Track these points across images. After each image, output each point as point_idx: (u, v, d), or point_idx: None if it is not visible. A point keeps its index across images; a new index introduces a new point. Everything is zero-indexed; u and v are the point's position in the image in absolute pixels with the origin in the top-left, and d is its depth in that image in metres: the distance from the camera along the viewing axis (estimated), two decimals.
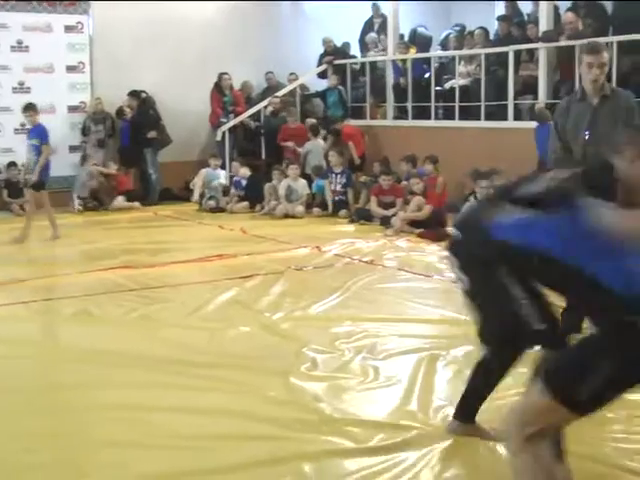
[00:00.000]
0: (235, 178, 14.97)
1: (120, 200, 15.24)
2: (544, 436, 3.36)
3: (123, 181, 15.67)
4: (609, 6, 13.36)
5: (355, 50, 17.47)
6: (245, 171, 14.81)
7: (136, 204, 15.20)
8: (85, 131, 15.88)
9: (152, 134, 15.63)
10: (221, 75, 16.45)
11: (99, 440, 4.71)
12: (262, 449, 4.49)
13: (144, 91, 16.06)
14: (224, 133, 16.21)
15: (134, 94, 15.97)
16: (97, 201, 15.32)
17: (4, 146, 15.53)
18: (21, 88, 15.62)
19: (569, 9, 13.24)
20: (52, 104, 15.79)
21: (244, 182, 14.75)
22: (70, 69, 16.00)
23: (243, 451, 4.48)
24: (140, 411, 5.08)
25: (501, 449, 4.20)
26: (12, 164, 15.29)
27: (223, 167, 15.82)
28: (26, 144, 12.33)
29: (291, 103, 16.65)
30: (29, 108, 12.10)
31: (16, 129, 15.53)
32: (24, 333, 7.01)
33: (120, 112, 16.01)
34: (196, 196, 14.99)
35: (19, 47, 15.55)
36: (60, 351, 6.55)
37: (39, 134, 11.87)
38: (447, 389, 5.39)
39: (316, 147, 14.96)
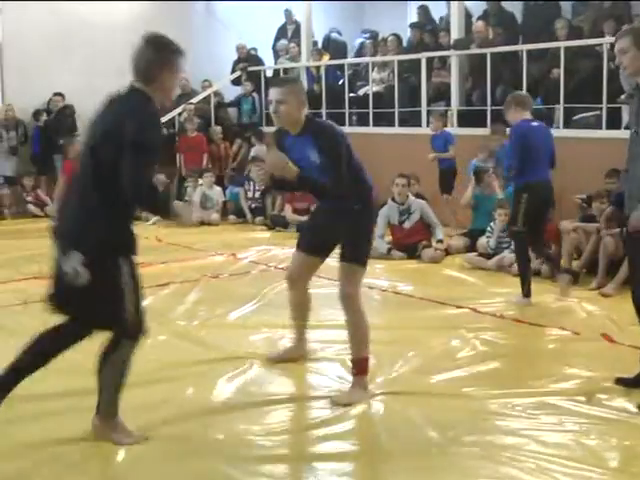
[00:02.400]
0: None
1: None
2: None
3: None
4: (519, 15, 13.62)
5: (266, 56, 17.46)
6: (162, 178, 14.67)
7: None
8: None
9: (63, 141, 15.39)
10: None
11: None
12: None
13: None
14: None
15: (61, 94, 15.74)
16: None
17: None
18: None
19: (479, 18, 13.46)
20: None
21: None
22: None
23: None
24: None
25: None
26: None
27: None
28: None
29: (206, 110, 16.59)
30: None
31: None
32: None
33: (37, 115, 15.73)
34: None
35: None
36: None
37: None
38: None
39: (262, 152, 14.87)
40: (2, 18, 15.71)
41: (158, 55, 4.49)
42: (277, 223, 12.89)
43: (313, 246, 5.84)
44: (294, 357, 6.16)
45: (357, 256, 5.40)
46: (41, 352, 4.70)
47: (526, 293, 7.93)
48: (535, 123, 8.20)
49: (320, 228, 5.71)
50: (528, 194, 7.81)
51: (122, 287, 4.40)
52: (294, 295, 6.07)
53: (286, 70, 16.39)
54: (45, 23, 15.91)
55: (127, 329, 4.51)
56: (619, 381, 5.49)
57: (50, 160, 15.62)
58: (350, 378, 5.51)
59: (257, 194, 13.93)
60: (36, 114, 15.77)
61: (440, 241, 10.28)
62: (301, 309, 6.11)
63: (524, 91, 11.57)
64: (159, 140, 4.44)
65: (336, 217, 5.44)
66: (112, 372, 4.62)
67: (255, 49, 17.34)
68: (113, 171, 4.21)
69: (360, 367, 5.44)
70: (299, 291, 6.04)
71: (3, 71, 15.84)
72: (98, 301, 4.42)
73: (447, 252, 10.30)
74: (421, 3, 15.82)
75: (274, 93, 5.49)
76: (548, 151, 8.12)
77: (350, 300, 5.42)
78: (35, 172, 15.63)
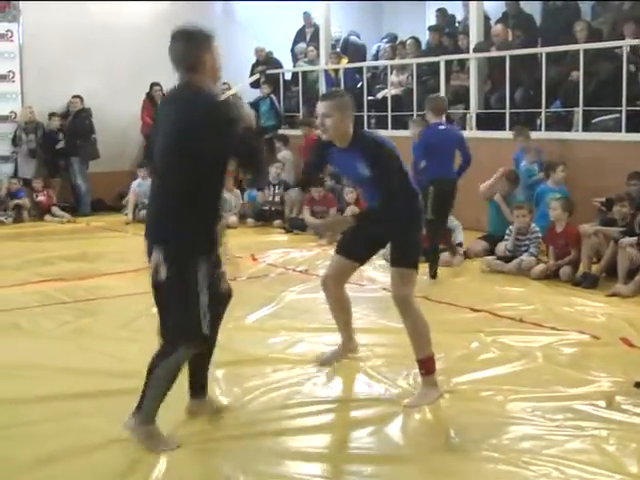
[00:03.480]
0: None
1: (49, 218, 15.03)
2: None
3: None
4: (537, 17, 13.57)
5: (284, 58, 17.46)
6: None
7: (66, 216, 14.92)
8: (16, 141, 15.63)
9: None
10: (153, 86, 16.33)
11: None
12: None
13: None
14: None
15: (79, 97, 15.81)
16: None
17: None
18: None
19: (498, 21, 13.42)
20: None
21: None
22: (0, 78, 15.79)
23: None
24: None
25: None
26: None
27: None
28: None
29: None
30: None
31: None
32: None
33: (51, 117, 15.79)
34: (130, 211, 14.72)
35: None
36: None
37: None
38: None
39: (285, 158, 14.90)
40: (22, 20, 15.78)
41: (191, 44, 4.72)
42: (295, 226, 12.88)
43: (356, 251, 5.88)
44: (343, 357, 6.20)
45: (409, 260, 5.46)
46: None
47: (433, 274, 9.06)
48: (442, 127, 9.54)
49: (367, 234, 5.68)
50: (434, 188, 8.94)
51: (197, 290, 4.45)
52: (331, 297, 6.07)
53: (305, 73, 16.39)
54: (64, 26, 15.96)
55: (189, 334, 4.51)
56: (639, 385, 5.47)
57: (67, 162, 15.68)
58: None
59: (276, 197, 13.94)
60: (51, 117, 15.81)
61: (460, 244, 10.24)
62: (342, 308, 6.12)
63: (543, 93, 11.62)
64: None
65: (385, 226, 5.49)
66: (163, 377, 4.58)
67: (272, 52, 17.34)
68: (195, 168, 4.34)
69: (427, 366, 5.45)
70: (336, 293, 6.05)
71: (23, 73, 15.90)
72: (174, 300, 4.52)
73: (466, 256, 10.26)
74: (439, 6, 15.77)
75: (321, 107, 5.53)
76: (453, 152, 9.44)
77: (406, 302, 5.45)
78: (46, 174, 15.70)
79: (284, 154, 15.01)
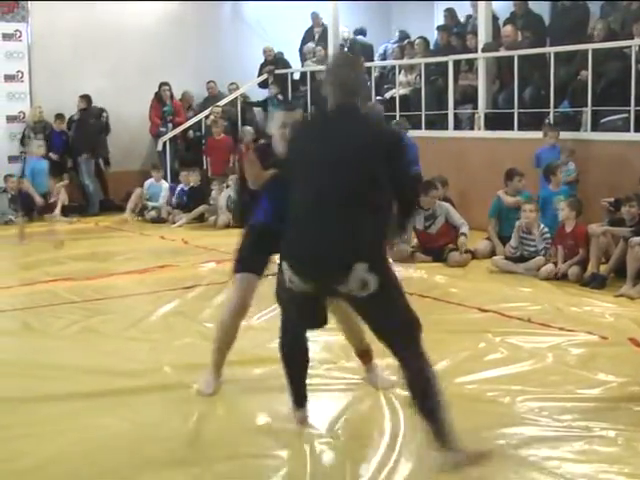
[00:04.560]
0: (178, 188, 14.87)
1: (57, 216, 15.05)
2: None
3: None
4: (546, 17, 13.55)
5: (292, 58, 17.47)
6: (197, 180, 14.71)
7: (74, 219, 14.86)
8: (24, 141, 15.67)
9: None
10: (161, 85, 16.37)
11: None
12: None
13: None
14: (165, 143, 16.14)
15: (85, 97, 15.84)
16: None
17: None
18: None
19: (507, 21, 13.40)
20: None
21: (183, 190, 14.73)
22: (8, 78, 15.82)
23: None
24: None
25: None
26: None
27: (165, 177, 15.79)
28: None
29: (232, 113, 16.66)
30: None
31: None
32: None
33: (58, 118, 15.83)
34: (129, 210, 14.75)
35: None
36: None
37: None
38: None
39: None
40: (31, 21, 15.81)
41: (355, 70, 4.75)
42: None
43: None
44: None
45: None
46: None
47: None
48: None
49: None
50: None
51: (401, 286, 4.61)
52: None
53: (313, 73, 16.40)
54: (73, 26, 16.01)
55: (420, 325, 4.64)
56: None
57: (74, 162, 15.73)
58: None
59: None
60: (57, 118, 15.84)
61: (464, 234, 10.17)
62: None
63: (551, 93, 11.62)
64: None
65: None
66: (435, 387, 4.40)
67: (281, 53, 17.34)
68: (372, 180, 4.41)
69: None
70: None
71: (32, 73, 15.93)
72: (399, 302, 4.56)
73: (473, 256, 10.25)
74: (448, 5, 15.76)
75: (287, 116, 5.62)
76: None
77: None
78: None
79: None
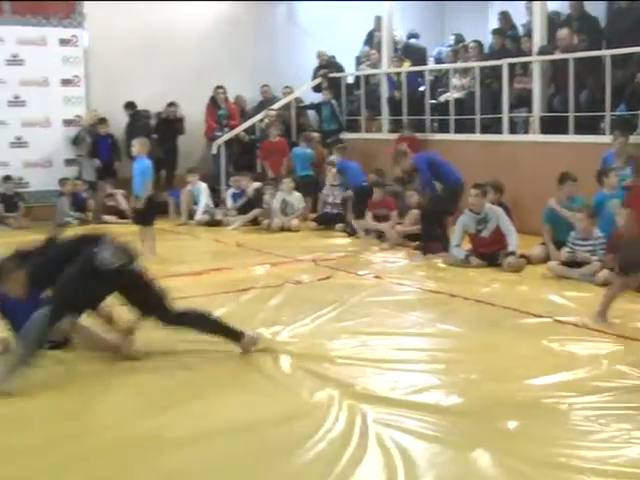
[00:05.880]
0: (233, 191, 14.95)
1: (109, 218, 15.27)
2: None
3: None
4: (602, 20, 13.42)
5: (346, 62, 17.48)
6: (253, 184, 14.78)
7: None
8: (77, 141, 15.86)
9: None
10: (216, 89, 16.48)
11: None
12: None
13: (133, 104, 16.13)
14: (219, 146, 16.24)
15: (129, 105, 16.03)
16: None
17: None
18: (16, 101, 15.64)
19: (563, 24, 13.28)
20: (47, 118, 15.87)
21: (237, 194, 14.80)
22: (65, 82, 16.03)
23: None
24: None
25: None
26: (7, 178, 15.32)
27: (218, 180, 15.89)
28: None
29: (286, 117, 16.71)
30: None
31: (12, 143, 15.59)
32: None
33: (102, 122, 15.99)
34: (185, 214, 14.89)
35: (14, 60, 15.57)
36: None
37: None
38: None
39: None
40: (88, 26, 16.00)
41: None
42: (355, 230, 12.84)
43: None
44: None
45: None
46: None
47: None
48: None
49: None
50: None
51: None
52: None
53: (367, 77, 16.40)
54: (129, 31, 16.17)
55: None
56: None
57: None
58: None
59: (338, 199, 13.98)
60: (101, 122, 16.00)
61: (512, 253, 9.99)
62: None
63: (608, 99, 11.48)
64: None
65: None
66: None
67: (334, 56, 17.37)
68: None
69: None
70: None
71: (88, 78, 16.12)
72: None
73: (528, 261, 10.16)
74: (502, 7, 15.67)
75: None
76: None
77: None
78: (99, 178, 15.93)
79: (334, 157, 15.09)
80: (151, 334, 6.67)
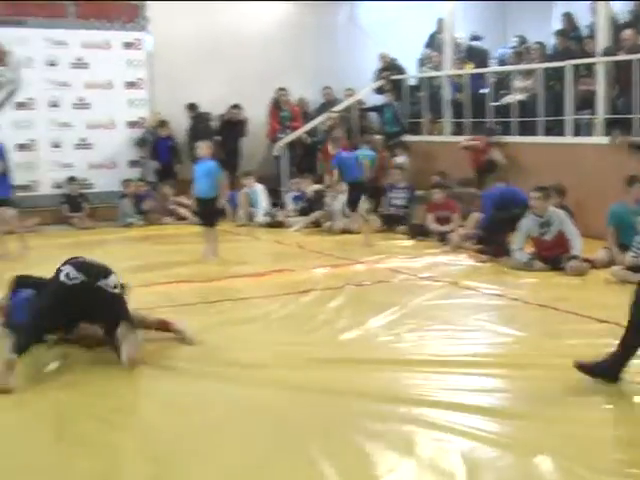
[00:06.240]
0: (293, 193, 15.00)
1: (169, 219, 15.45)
2: None
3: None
4: None
5: (408, 64, 17.44)
6: (313, 186, 14.82)
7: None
8: (141, 143, 16.06)
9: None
10: (279, 91, 16.57)
11: None
12: None
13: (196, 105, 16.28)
14: (282, 148, 16.30)
15: (191, 107, 16.18)
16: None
17: (64, 161, 15.76)
18: (81, 104, 15.86)
19: (627, 25, 13.13)
20: (112, 120, 16.07)
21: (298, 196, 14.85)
22: (129, 85, 16.22)
23: None
24: None
25: None
26: (72, 179, 15.55)
27: (279, 182, 15.95)
28: None
29: (348, 119, 16.72)
30: None
31: (76, 144, 15.82)
32: None
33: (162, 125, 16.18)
34: (245, 215, 14.96)
35: (79, 64, 15.79)
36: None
37: None
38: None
39: (403, 164, 14.95)
40: (153, 29, 16.16)
41: None
42: (417, 232, 12.81)
43: None
44: None
45: None
46: None
47: None
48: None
49: None
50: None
51: None
52: None
53: (429, 79, 16.35)
54: (192, 34, 16.33)
55: None
56: None
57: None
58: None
59: (402, 202, 13.93)
60: (162, 124, 16.18)
61: (575, 257, 9.88)
62: None
63: None
64: None
65: None
66: None
67: (395, 59, 17.32)
68: None
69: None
70: None
71: (151, 82, 16.29)
72: None
73: (592, 265, 10.04)
74: (565, 7, 15.52)
75: None
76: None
77: None
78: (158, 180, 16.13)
79: (403, 160, 15.04)
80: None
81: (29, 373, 6.11)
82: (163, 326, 7.09)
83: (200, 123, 16.20)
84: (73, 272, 6.31)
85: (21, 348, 5.95)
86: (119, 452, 4.82)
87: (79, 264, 6.43)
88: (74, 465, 4.61)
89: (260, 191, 15.07)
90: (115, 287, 6.41)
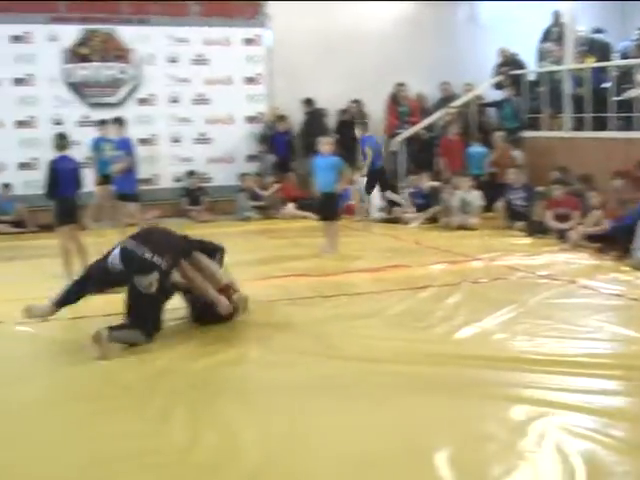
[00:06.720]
0: (411, 189, 14.93)
1: (290, 207, 15.51)
2: None
3: (289, 188, 15.93)
4: None
5: (528, 59, 17.20)
6: (430, 182, 14.75)
7: (308, 214, 14.87)
8: (262, 138, 16.25)
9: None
10: (397, 86, 16.55)
11: None
12: None
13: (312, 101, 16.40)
14: (399, 144, 16.27)
15: (307, 102, 16.31)
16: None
17: (184, 155, 16.05)
18: (201, 99, 16.11)
19: None
20: (230, 115, 16.31)
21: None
22: (248, 81, 16.42)
23: None
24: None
25: None
26: (191, 173, 15.81)
27: (396, 178, 15.91)
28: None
29: (466, 114, 16.58)
30: (117, 122, 12.68)
31: (196, 139, 16.07)
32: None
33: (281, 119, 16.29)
34: (362, 212, 14.89)
35: (199, 60, 16.04)
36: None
37: (124, 146, 12.39)
38: None
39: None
40: (273, 25, 16.32)
41: None
42: (535, 229, 12.61)
43: None
44: None
45: None
46: None
47: None
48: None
49: None
50: None
51: None
52: None
53: (550, 73, 16.09)
54: (311, 31, 16.45)
55: None
56: None
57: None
58: None
59: (521, 201, 13.71)
60: (280, 119, 16.28)
61: None
62: None
63: None
64: None
65: None
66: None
67: (517, 54, 17.10)
68: None
69: None
70: None
71: (270, 77, 16.45)
72: None
73: None
74: None
75: None
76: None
77: None
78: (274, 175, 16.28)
79: (517, 155, 14.85)
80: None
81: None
82: (226, 291, 7.40)
83: (315, 118, 16.29)
84: (116, 260, 6.96)
85: (61, 303, 7.21)
86: (238, 431, 4.97)
87: (125, 253, 6.98)
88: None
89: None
90: (149, 286, 6.83)
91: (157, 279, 6.83)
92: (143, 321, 6.91)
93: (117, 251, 7.01)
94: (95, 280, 7.23)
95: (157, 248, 6.91)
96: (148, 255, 6.83)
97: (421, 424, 5.06)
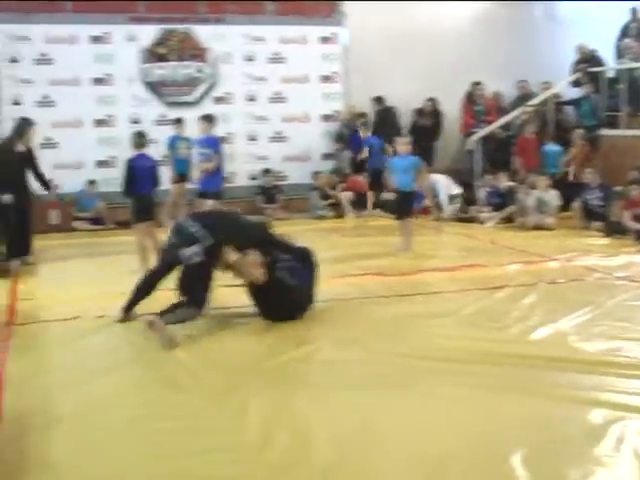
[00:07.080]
0: (487, 189, 14.83)
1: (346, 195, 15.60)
2: None
3: (357, 182, 15.93)
4: None
5: (607, 56, 16.97)
6: (506, 182, 14.65)
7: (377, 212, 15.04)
8: (339, 138, 16.29)
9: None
10: (474, 85, 16.46)
11: None
12: None
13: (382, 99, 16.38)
14: (475, 143, 16.18)
15: (378, 100, 16.30)
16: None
17: (260, 154, 16.15)
18: (277, 98, 16.19)
19: None
20: (306, 113, 16.39)
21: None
22: (324, 79, 16.47)
23: None
24: None
25: None
26: (267, 171, 15.91)
27: (472, 177, 15.82)
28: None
29: (543, 113, 16.41)
30: (207, 119, 12.43)
31: (272, 137, 16.17)
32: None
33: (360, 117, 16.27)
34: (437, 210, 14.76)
35: (275, 59, 16.13)
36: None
37: (213, 144, 12.22)
38: None
39: None
40: (349, 23, 16.35)
41: None
42: (613, 230, 12.45)
43: None
44: None
45: None
46: None
47: None
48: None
49: None
50: None
51: None
52: None
53: (629, 70, 15.85)
54: (388, 29, 16.44)
55: None
56: None
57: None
58: None
59: (598, 201, 13.53)
60: (359, 117, 16.27)
61: None
62: None
63: None
64: None
65: None
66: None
67: (595, 50, 16.88)
68: None
69: None
70: None
71: (346, 75, 16.48)
72: None
73: None
74: None
75: None
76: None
77: None
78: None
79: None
80: None
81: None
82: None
83: (386, 117, 16.28)
84: (170, 234, 7.50)
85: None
86: (311, 429, 5.00)
87: (175, 226, 7.61)
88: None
89: (437, 181, 14.89)
90: (193, 256, 7.14)
91: (198, 252, 7.10)
92: (191, 295, 7.17)
93: (170, 231, 7.55)
94: (162, 260, 7.68)
95: (208, 225, 7.25)
96: (194, 229, 7.18)
97: (496, 425, 5.03)
